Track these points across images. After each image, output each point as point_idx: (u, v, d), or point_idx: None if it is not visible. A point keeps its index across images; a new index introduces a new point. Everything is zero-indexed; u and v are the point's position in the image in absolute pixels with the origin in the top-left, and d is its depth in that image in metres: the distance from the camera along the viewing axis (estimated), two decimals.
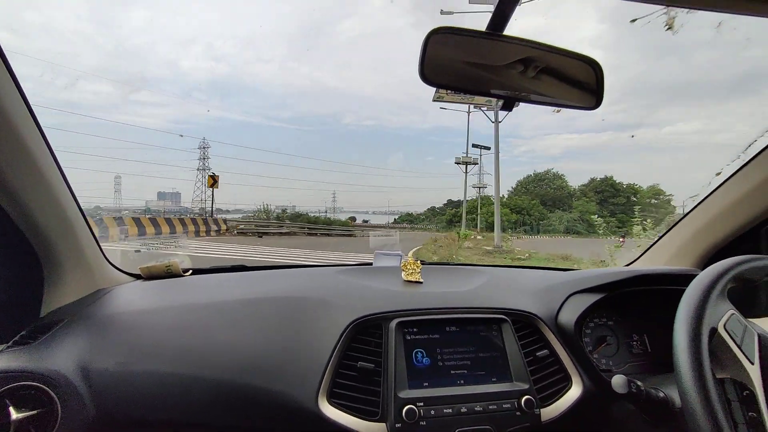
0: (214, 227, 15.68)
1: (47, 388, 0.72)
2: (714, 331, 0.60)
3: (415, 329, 0.89)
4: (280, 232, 17.41)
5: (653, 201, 30.32)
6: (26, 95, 0.75)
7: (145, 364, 0.81)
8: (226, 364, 0.83)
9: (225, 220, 17.42)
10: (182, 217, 16.67)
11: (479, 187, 29.07)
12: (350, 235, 19.91)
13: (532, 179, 40.90)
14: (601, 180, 35.17)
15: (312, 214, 25.25)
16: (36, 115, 0.78)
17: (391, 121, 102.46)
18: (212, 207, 20.91)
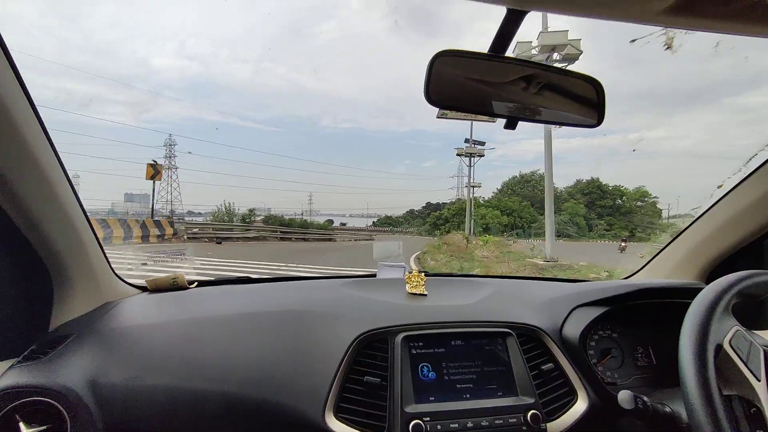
0: (154, 231, 12.22)
1: (57, 404, 0.73)
2: (719, 348, 0.60)
3: (420, 343, 0.90)
4: (246, 237, 14.64)
5: (638, 203, 29.67)
6: (36, 105, 0.75)
7: (154, 378, 0.82)
8: (234, 378, 0.83)
9: (171, 223, 13.87)
10: (105, 218, 12.41)
11: (473, 186, 26.68)
12: (329, 240, 18.18)
13: (517, 181, 39.15)
14: (588, 182, 33.56)
15: (287, 217, 23.20)
16: (45, 124, 0.78)
17: (369, 123, 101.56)
18: (152, 205, 16.89)
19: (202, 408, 0.80)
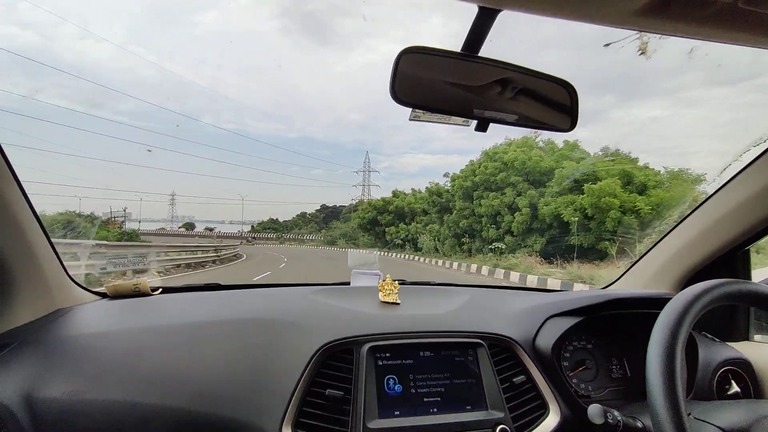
0: None
1: None
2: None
3: (387, 354, 0.86)
4: None
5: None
6: None
7: (99, 393, 0.75)
8: (188, 392, 0.78)
9: None
10: None
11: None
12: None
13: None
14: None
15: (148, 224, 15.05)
16: None
17: (256, 127, 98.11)
18: None
19: (152, 425, 0.75)
